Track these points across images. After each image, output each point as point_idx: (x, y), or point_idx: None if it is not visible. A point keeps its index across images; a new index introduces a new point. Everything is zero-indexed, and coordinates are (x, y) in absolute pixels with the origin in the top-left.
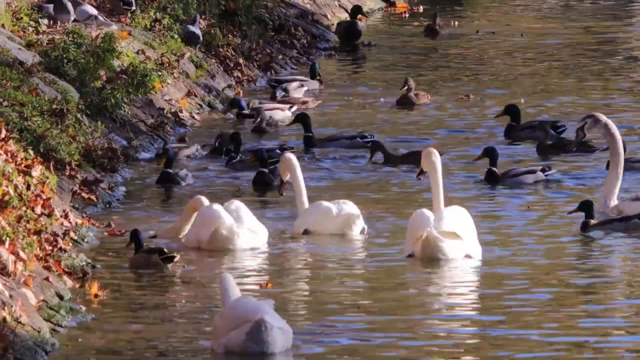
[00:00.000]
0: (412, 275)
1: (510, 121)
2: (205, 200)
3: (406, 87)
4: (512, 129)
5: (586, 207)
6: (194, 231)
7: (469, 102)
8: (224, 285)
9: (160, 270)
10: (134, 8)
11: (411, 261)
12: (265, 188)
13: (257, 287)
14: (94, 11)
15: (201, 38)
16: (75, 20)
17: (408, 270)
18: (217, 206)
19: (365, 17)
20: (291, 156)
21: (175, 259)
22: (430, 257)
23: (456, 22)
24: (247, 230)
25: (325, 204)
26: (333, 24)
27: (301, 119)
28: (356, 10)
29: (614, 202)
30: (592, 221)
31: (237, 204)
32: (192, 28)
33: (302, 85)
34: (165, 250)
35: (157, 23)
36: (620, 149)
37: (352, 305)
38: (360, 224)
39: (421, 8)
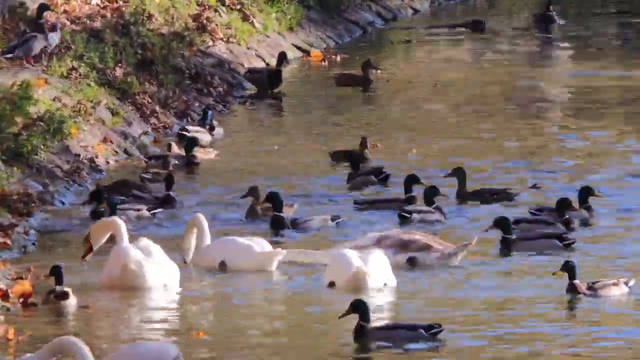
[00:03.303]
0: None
1: (350, 168)
2: (122, 223)
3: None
4: (350, 176)
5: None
6: (106, 270)
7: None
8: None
9: (61, 307)
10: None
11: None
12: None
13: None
14: None
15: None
16: None
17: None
18: (127, 244)
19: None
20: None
21: (69, 298)
22: (357, 287)
23: (379, 71)
24: (156, 267)
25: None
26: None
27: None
28: (282, 58)
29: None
30: None
31: (146, 241)
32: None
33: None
34: (62, 289)
35: (74, 71)
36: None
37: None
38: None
39: (339, 57)
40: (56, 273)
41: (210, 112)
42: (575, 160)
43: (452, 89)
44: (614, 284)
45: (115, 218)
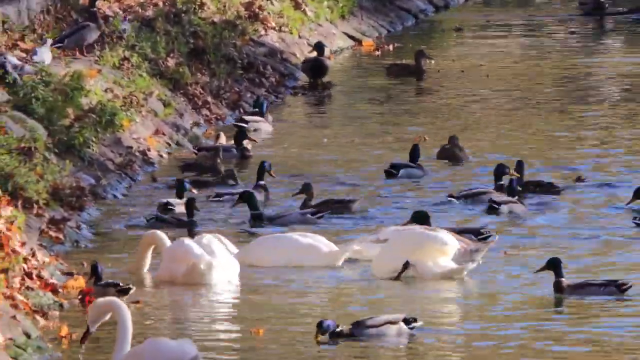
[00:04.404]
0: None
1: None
2: (162, 235)
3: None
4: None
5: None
6: (166, 266)
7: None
8: (124, 318)
9: None
10: None
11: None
12: None
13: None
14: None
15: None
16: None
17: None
18: (189, 240)
19: (332, 55)
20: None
21: (131, 291)
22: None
23: (432, 61)
24: (221, 264)
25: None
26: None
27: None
28: (319, 46)
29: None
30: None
31: (209, 237)
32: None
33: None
34: (120, 283)
35: (126, 61)
36: None
37: None
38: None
39: (391, 46)
40: (94, 270)
41: (266, 102)
42: (624, 151)
43: (504, 79)
44: (601, 285)
45: (154, 231)
